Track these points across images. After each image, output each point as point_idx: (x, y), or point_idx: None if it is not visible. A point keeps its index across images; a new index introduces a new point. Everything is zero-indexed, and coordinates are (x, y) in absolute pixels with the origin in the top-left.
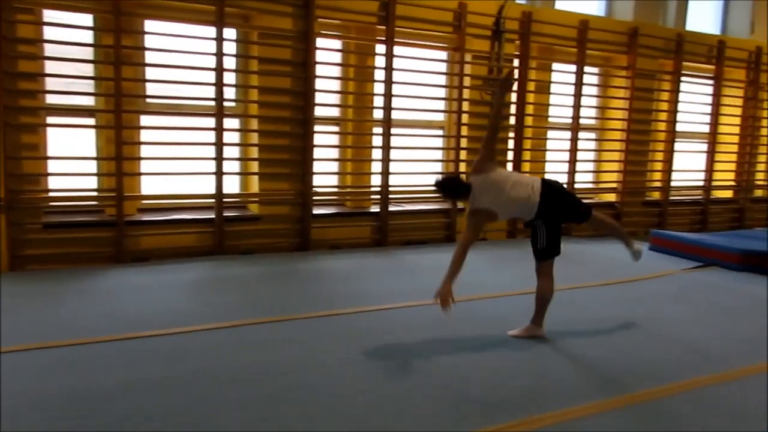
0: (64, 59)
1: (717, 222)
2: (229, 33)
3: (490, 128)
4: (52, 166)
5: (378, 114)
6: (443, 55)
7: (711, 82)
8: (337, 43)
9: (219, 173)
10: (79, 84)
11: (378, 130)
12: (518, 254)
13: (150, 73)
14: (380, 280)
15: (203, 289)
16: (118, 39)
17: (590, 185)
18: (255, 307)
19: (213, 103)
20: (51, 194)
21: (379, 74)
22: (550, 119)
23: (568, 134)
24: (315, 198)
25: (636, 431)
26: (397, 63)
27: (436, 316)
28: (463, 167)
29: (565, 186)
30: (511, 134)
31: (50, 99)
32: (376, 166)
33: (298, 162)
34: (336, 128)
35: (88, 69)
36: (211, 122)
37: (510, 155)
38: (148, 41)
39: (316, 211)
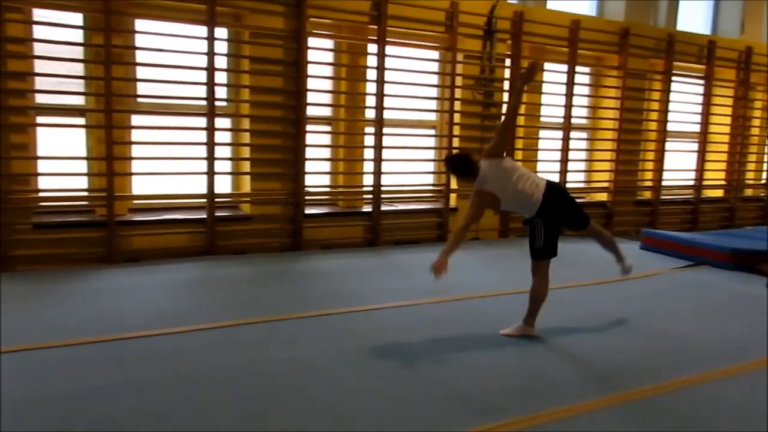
0: (54, 58)
1: (708, 221)
2: (221, 32)
3: (507, 116)
4: (42, 166)
5: (370, 114)
6: (435, 54)
7: (702, 81)
8: (329, 43)
9: (210, 173)
10: (69, 83)
11: (370, 129)
12: (511, 253)
13: (141, 72)
14: (372, 280)
15: (195, 289)
16: (109, 38)
17: (582, 185)
18: (247, 307)
19: (204, 102)
20: (41, 194)
21: (371, 74)
22: (541, 119)
23: (559, 134)
24: (307, 198)
25: (630, 429)
26: (389, 63)
27: (429, 315)
28: None
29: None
30: None
31: (40, 98)
32: (368, 166)
33: (290, 162)
34: (328, 128)
35: (79, 68)
36: (202, 122)
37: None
38: (139, 40)
39: (308, 210)
